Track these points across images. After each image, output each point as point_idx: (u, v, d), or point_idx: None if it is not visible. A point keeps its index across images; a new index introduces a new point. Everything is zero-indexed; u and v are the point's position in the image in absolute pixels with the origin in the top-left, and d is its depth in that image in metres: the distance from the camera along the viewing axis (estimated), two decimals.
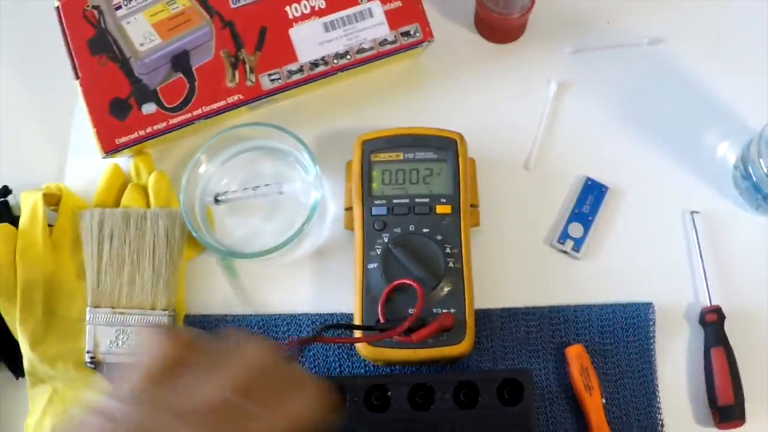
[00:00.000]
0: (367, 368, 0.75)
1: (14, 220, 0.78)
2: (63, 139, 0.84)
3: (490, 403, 0.66)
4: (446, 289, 0.71)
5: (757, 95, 0.81)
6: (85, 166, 0.82)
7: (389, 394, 0.67)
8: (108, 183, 0.80)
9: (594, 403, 0.72)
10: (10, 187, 0.81)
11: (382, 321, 0.70)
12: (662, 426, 0.73)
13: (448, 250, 0.72)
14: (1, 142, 0.85)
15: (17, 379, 0.78)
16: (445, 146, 0.75)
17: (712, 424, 0.73)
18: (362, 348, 0.71)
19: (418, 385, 0.67)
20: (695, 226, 0.77)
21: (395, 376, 0.68)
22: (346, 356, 0.75)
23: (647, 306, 0.76)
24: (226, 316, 0.77)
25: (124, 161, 0.81)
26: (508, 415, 0.66)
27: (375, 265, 0.72)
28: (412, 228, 0.73)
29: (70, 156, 0.84)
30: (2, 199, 0.81)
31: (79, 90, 0.78)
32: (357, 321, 0.71)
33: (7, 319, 0.76)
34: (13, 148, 0.85)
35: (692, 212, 0.78)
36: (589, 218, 0.78)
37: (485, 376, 0.67)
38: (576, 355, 0.73)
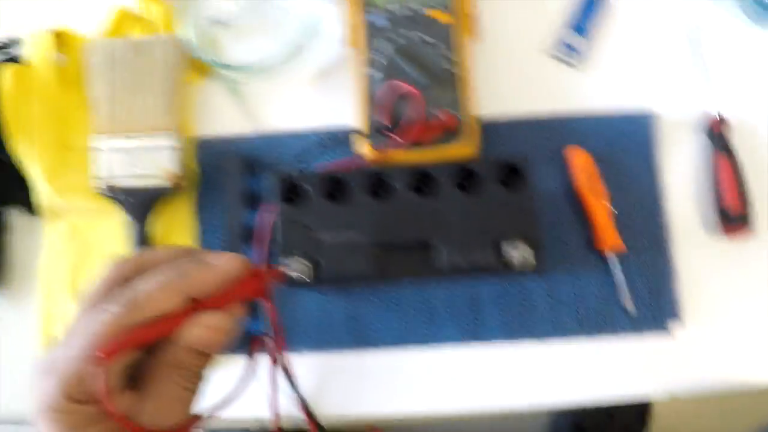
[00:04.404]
0: None
1: None
2: None
3: (492, 188, 0.66)
4: (447, 94, 0.72)
5: None
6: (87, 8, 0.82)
7: (393, 184, 0.67)
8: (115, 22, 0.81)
9: (600, 205, 0.73)
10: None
11: (386, 124, 0.71)
12: (666, 230, 0.74)
13: (448, 56, 0.72)
14: None
15: (33, 215, 0.78)
16: None
17: (717, 230, 0.73)
18: (368, 152, 0.72)
19: (420, 173, 0.67)
20: (699, 40, 0.77)
21: (397, 167, 0.68)
22: None
23: (647, 116, 0.76)
24: (235, 139, 0.78)
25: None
26: (509, 199, 0.66)
27: (377, 72, 0.73)
28: (412, 37, 0.73)
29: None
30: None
31: None
32: (361, 128, 0.72)
33: (25, 158, 0.77)
34: None
35: (695, 26, 0.78)
36: (591, 29, 0.78)
37: (485, 163, 0.67)
38: (580, 159, 0.73)
